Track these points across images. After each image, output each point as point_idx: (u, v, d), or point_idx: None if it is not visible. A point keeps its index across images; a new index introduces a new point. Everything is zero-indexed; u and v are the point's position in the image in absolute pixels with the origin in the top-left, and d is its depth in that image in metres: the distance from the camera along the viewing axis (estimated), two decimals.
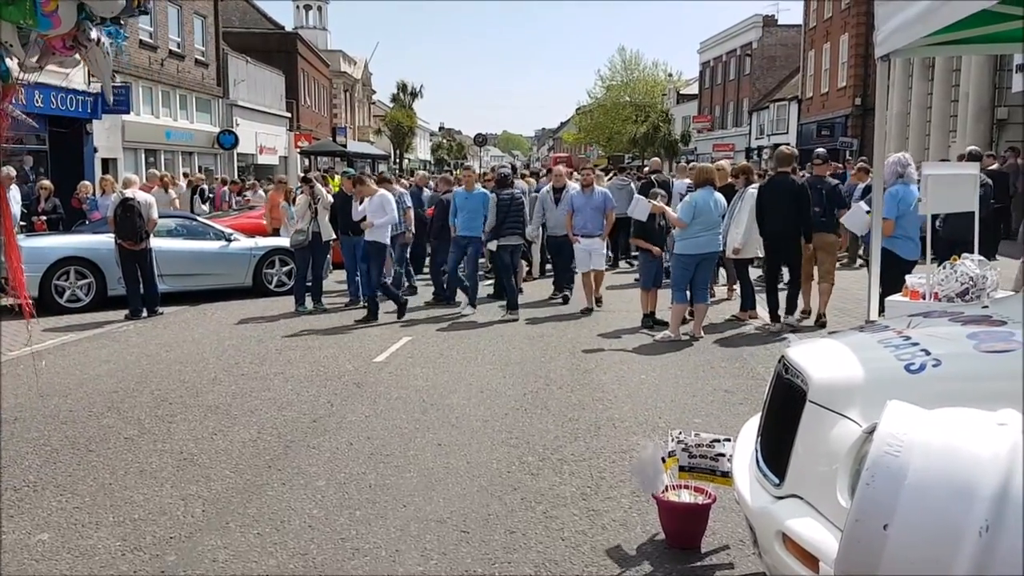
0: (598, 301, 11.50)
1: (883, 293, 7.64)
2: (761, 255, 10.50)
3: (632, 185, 16.86)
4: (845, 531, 1.97)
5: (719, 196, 9.42)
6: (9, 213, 4.86)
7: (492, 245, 11.65)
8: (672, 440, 4.29)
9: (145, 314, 11.14)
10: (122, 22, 4.98)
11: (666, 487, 4.24)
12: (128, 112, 23.25)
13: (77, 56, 4.73)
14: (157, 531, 4.42)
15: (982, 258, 6.29)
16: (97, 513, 4.67)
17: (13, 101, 4.66)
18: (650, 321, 10.00)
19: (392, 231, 11.34)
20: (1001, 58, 21.09)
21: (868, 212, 7.65)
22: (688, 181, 13.40)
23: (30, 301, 4.65)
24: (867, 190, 11.07)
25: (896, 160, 8.02)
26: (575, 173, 18.55)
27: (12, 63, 4.47)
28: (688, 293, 9.39)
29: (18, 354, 8.70)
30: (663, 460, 4.23)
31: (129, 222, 10.89)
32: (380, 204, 10.85)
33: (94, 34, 4.59)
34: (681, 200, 10.04)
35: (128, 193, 11.16)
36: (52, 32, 4.20)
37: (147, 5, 4.64)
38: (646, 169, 19.83)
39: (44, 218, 14.78)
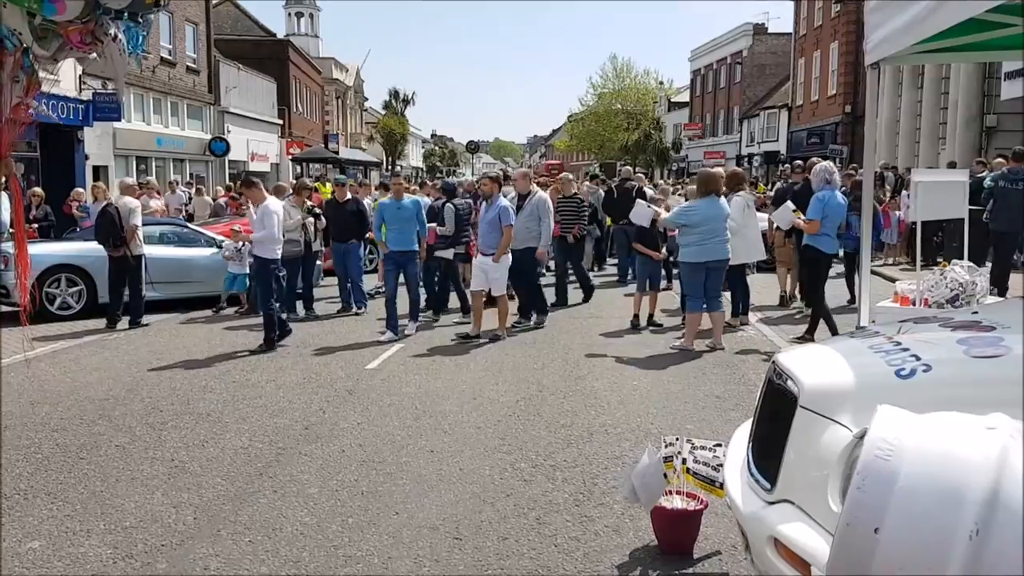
0: (492, 337, 9.76)
1: (809, 285, 9.07)
2: (751, 261, 10.61)
3: (600, 192, 17.26)
4: (836, 535, 1.98)
5: (724, 203, 9.24)
6: (22, 214, 4.86)
7: (449, 253, 11.33)
8: (665, 446, 4.30)
9: (126, 325, 10.95)
10: (140, 19, 4.98)
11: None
12: (119, 119, 23.20)
13: (94, 55, 4.73)
14: (148, 539, 4.41)
15: (972, 264, 6.35)
16: (88, 521, 4.66)
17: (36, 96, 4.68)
18: (640, 323, 10.31)
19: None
20: (990, 66, 21.25)
21: (794, 210, 9.62)
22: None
23: (28, 306, 4.63)
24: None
25: (823, 168, 9.25)
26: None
27: (37, 63, 4.49)
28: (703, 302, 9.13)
29: (9, 361, 8.66)
30: (664, 462, 4.23)
31: (102, 229, 10.79)
32: (261, 216, 9.40)
33: (112, 30, 4.59)
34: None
35: (113, 198, 11.10)
36: (58, 17, 4.20)
37: (167, 1, 4.65)
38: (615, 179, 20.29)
39: (35, 226, 14.72)
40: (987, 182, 12.52)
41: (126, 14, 4.74)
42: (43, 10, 4.05)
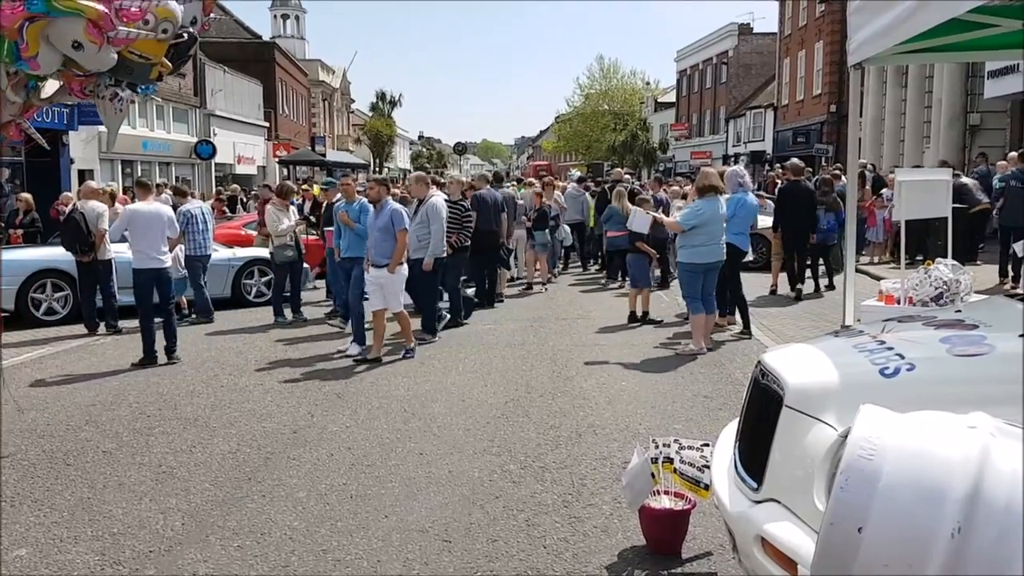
0: (405, 353, 8.98)
1: (729, 279, 9.53)
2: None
3: (586, 196, 17.38)
4: (820, 534, 2.00)
5: (723, 202, 9.03)
6: None
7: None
8: (654, 447, 4.31)
9: (103, 330, 10.87)
10: (137, 91, 5.12)
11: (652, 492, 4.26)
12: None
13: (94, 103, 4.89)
14: (136, 545, 4.39)
15: (956, 263, 6.40)
16: (75, 528, 4.64)
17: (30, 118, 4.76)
18: (639, 320, 10.69)
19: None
20: (973, 64, 21.39)
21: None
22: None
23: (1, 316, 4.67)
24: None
25: (734, 172, 10.14)
26: (556, 182, 18.88)
27: (42, 84, 4.59)
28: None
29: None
30: (651, 463, 4.24)
31: (67, 234, 10.65)
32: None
33: (107, 92, 4.72)
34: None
35: (79, 203, 10.96)
36: (35, 72, 4.30)
37: (183, 65, 4.88)
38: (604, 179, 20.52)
39: (20, 231, 14.57)
40: (997, 181, 13.74)
41: (125, 82, 4.85)
42: (14, 64, 4.11)
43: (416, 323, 9.81)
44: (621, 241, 14.86)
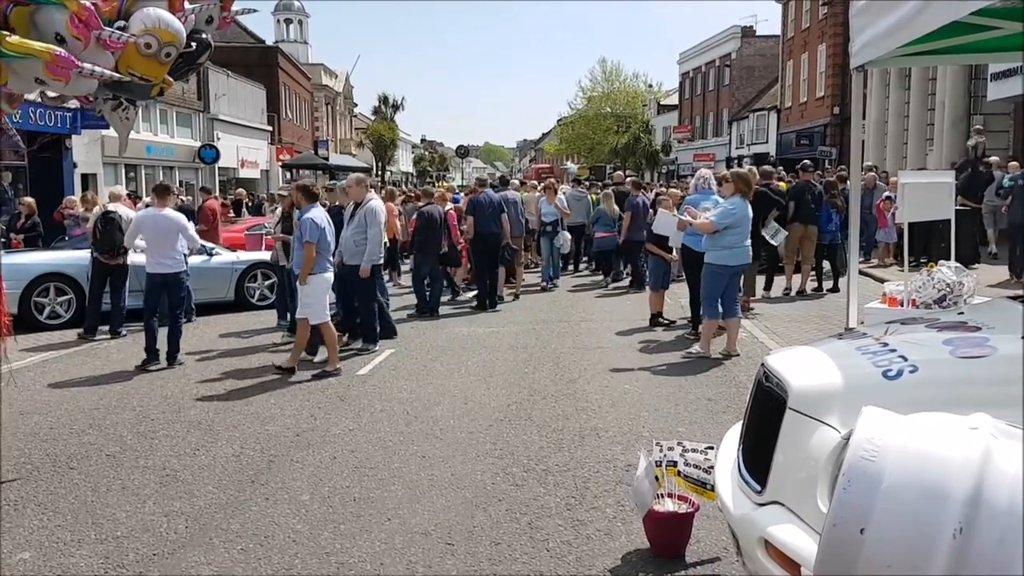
0: (288, 370, 8.33)
1: (691, 277, 9.62)
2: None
3: (588, 198, 17.40)
4: (823, 536, 2.00)
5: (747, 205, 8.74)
6: None
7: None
8: (658, 450, 4.31)
9: (107, 335, 10.86)
10: (136, 105, 5.18)
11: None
12: (107, 127, 23.05)
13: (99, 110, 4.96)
14: (140, 548, 4.40)
15: (959, 265, 6.39)
16: (79, 531, 4.64)
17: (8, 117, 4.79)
18: (661, 320, 10.77)
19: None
20: (976, 67, 21.36)
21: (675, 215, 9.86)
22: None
23: (9, 319, 4.67)
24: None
25: (699, 174, 10.66)
26: (559, 184, 18.90)
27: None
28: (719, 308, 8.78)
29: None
30: (655, 466, 4.24)
31: (108, 236, 10.69)
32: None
33: (106, 105, 4.78)
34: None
35: (111, 206, 11.02)
36: (8, 91, 4.37)
37: (192, 73, 5.01)
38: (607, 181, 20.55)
39: (22, 236, 14.57)
40: (1006, 181, 14.35)
41: (123, 98, 4.89)
42: None
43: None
44: (606, 243, 15.03)
